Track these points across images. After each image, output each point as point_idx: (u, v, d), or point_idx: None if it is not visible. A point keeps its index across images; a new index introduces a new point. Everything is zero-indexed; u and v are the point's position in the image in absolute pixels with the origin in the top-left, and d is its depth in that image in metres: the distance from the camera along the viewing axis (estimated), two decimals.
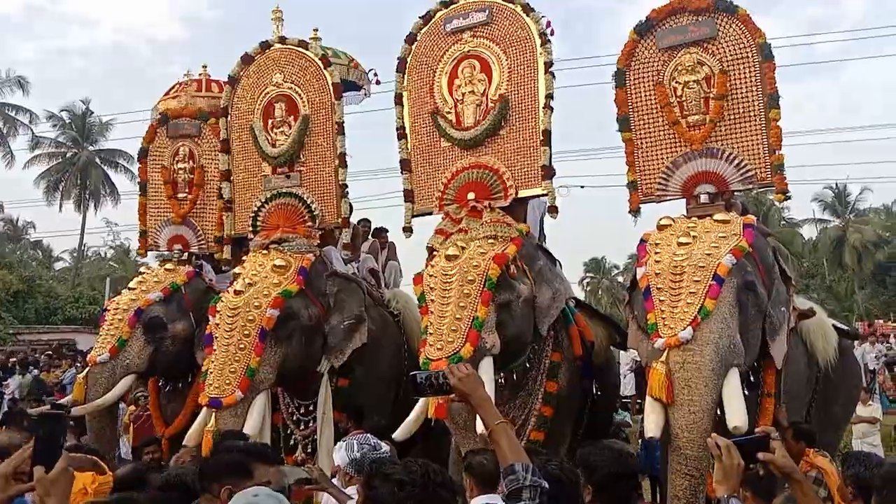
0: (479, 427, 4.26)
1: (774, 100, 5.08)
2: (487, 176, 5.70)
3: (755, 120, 5.14)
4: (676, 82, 5.35)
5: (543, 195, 5.72)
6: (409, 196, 6.16)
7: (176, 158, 7.36)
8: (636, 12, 5.73)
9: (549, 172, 5.62)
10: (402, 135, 6.22)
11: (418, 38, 6.22)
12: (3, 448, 3.35)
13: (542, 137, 5.62)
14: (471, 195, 5.63)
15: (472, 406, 2.30)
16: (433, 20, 6.18)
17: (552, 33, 5.83)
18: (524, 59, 5.76)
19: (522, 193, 5.67)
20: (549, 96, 5.64)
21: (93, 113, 35.66)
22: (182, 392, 6.78)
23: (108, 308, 6.69)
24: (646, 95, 5.45)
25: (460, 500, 2.17)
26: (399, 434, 4.75)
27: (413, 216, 6.13)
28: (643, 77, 5.46)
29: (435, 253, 5.36)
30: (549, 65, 5.67)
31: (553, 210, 5.75)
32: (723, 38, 5.24)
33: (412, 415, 4.80)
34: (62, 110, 35.64)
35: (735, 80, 5.19)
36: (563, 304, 5.34)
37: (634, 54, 5.49)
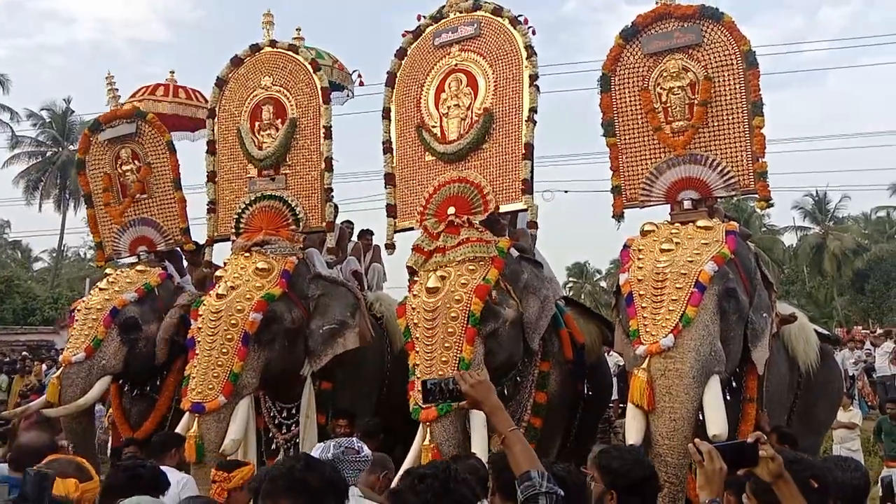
0: (475, 447, 4.28)
1: (758, 107, 5.12)
2: (468, 190, 5.65)
3: (739, 127, 5.17)
4: (661, 88, 5.37)
5: (523, 210, 5.67)
6: (392, 211, 6.10)
7: (119, 162, 7.26)
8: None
9: (529, 187, 5.59)
10: (387, 149, 6.19)
11: (408, 53, 6.21)
12: (33, 448, 3.36)
13: (524, 151, 5.59)
14: (451, 210, 5.58)
15: (485, 413, 2.31)
16: (423, 35, 6.16)
17: (533, 33, 5.84)
18: (510, 73, 5.74)
19: (503, 208, 5.64)
20: (533, 110, 5.61)
21: (73, 112, 35.34)
22: (148, 395, 6.71)
23: (78, 308, 6.60)
24: (630, 100, 5.47)
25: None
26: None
27: (395, 232, 6.09)
28: (628, 82, 5.48)
29: (416, 278, 5.32)
30: (534, 78, 5.65)
31: (533, 226, 5.75)
32: (708, 45, 5.27)
33: (410, 457, 4.73)
34: (42, 109, 35.29)
35: (719, 86, 5.22)
36: (552, 310, 5.33)
37: (620, 59, 5.51)
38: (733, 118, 5.19)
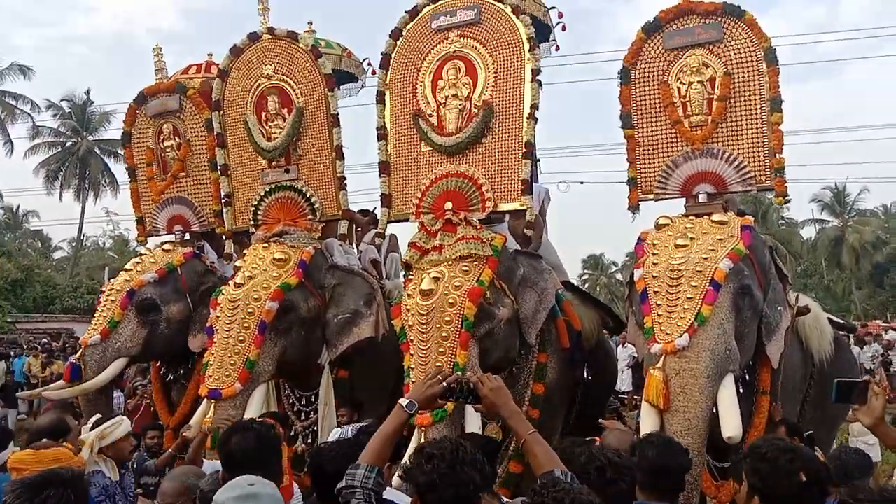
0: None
1: (777, 103, 5.12)
2: (466, 186, 5.57)
3: (757, 123, 5.17)
4: (681, 82, 5.37)
5: (522, 210, 5.58)
6: (386, 201, 6.00)
7: (161, 137, 7.21)
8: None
9: (528, 187, 5.52)
10: (382, 135, 6.03)
11: (403, 34, 6.02)
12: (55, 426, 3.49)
13: (524, 150, 5.50)
14: (448, 205, 5.50)
15: (504, 417, 2.39)
16: (420, 16, 5.96)
17: (563, 29, 5.74)
18: (511, 65, 5.60)
19: (501, 207, 5.56)
20: (535, 106, 5.50)
21: (93, 102, 35.68)
22: (182, 380, 6.71)
23: (104, 290, 6.61)
24: (650, 94, 5.47)
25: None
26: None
27: (389, 222, 6.05)
28: (648, 76, 5.47)
29: (410, 275, 5.30)
30: (536, 72, 5.52)
31: (530, 226, 5.71)
32: (729, 42, 5.26)
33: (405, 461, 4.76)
34: (62, 99, 35.65)
35: (739, 82, 5.22)
36: (551, 302, 5.27)
37: (641, 53, 5.50)
38: (752, 114, 5.19)
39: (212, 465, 4.01)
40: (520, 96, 5.56)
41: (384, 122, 6.04)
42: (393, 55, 6.04)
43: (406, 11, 6.04)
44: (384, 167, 6.03)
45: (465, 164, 5.67)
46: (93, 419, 4.49)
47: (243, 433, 2.67)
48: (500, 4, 5.69)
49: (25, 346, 16.92)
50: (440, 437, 2.41)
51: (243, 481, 2.22)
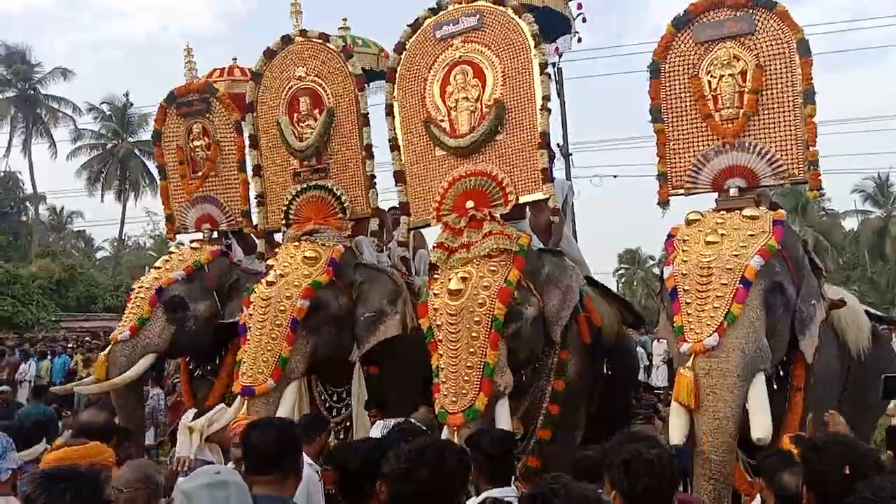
0: None
1: (810, 96, 5.03)
2: (486, 183, 5.59)
3: (790, 115, 5.08)
4: (712, 76, 5.30)
5: (545, 199, 5.59)
6: (405, 209, 6.08)
7: (190, 136, 7.33)
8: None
9: (548, 176, 5.53)
10: (394, 146, 6.11)
11: (407, 47, 6.06)
12: (90, 426, 3.63)
13: (539, 140, 5.51)
14: (469, 203, 5.53)
15: None
16: (422, 28, 6.00)
17: (584, 20, 5.73)
18: (518, 63, 5.61)
19: (523, 199, 5.58)
20: (546, 98, 5.53)
21: (132, 105, 36.37)
22: (208, 376, 6.85)
23: (134, 287, 6.79)
24: (680, 87, 5.41)
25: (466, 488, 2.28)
26: None
27: (410, 229, 6.11)
28: (678, 69, 5.41)
29: (436, 275, 5.33)
30: (543, 66, 5.56)
31: (555, 213, 5.71)
32: (760, 34, 5.17)
33: None
34: (102, 102, 36.43)
35: (771, 75, 5.13)
36: (574, 300, 5.27)
37: (671, 47, 5.43)
38: (785, 107, 5.10)
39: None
40: (530, 90, 5.57)
41: (395, 133, 6.11)
42: (399, 68, 6.10)
43: (408, 25, 6.08)
44: (399, 176, 6.12)
45: (482, 162, 5.70)
46: (192, 411, 4.61)
47: (263, 429, 2.71)
48: (501, 7, 5.70)
49: (73, 345, 17.29)
50: (419, 440, 2.44)
51: (210, 469, 2.30)
